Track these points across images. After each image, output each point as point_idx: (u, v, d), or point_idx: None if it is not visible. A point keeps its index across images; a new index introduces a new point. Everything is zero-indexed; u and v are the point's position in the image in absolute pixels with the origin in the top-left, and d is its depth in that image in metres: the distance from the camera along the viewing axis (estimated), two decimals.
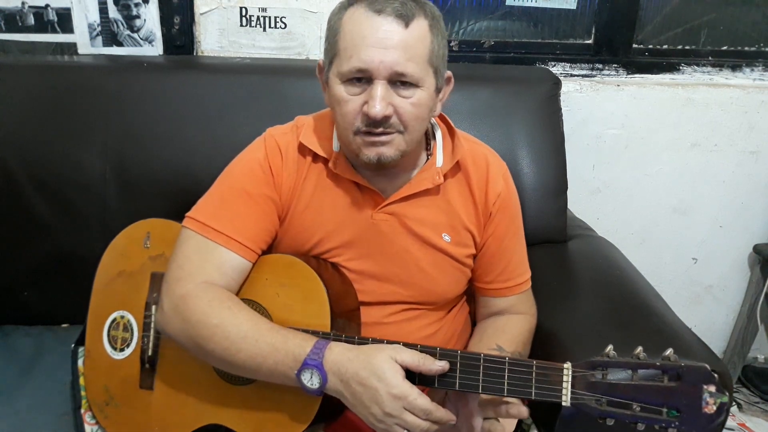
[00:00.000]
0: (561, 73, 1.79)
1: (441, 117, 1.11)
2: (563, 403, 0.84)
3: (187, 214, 1.04)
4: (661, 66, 1.84)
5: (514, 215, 1.13)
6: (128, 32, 1.63)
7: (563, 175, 1.52)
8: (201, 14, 1.65)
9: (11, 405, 1.22)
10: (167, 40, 1.65)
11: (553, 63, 1.81)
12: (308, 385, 0.88)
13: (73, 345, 1.24)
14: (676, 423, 0.79)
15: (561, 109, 1.57)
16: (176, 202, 1.12)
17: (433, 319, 1.12)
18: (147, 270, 1.11)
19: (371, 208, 1.05)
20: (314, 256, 1.07)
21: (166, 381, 1.07)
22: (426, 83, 0.94)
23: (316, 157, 1.06)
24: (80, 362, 1.20)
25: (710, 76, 1.85)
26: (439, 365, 0.87)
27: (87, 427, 1.14)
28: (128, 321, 1.11)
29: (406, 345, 0.90)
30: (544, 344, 1.13)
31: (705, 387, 0.78)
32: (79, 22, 1.61)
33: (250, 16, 1.66)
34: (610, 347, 0.83)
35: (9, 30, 1.61)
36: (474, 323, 1.22)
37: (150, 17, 1.62)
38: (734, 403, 1.98)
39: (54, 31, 1.62)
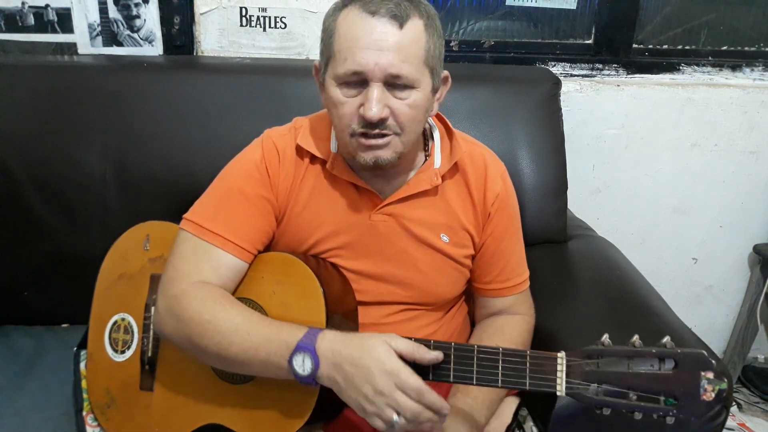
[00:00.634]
0: (561, 73, 1.79)
1: (439, 117, 1.11)
2: (558, 393, 0.83)
3: (184, 216, 1.04)
4: (661, 66, 1.84)
5: (512, 216, 1.13)
6: (128, 32, 1.63)
7: (563, 175, 1.52)
8: (201, 14, 1.65)
9: (11, 405, 1.22)
10: (167, 40, 1.65)
11: (553, 63, 1.81)
12: (300, 370, 0.86)
13: (75, 348, 1.24)
14: (674, 411, 0.77)
15: (561, 109, 1.57)
16: (176, 203, 1.12)
17: (431, 319, 1.12)
18: (147, 272, 1.11)
19: (369, 209, 1.05)
20: (313, 255, 1.07)
21: (166, 382, 1.07)
22: (422, 84, 0.93)
23: (313, 158, 1.06)
24: (82, 365, 1.20)
25: (710, 76, 1.85)
26: (433, 354, 0.86)
27: (89, 429, 1.14)
28: (129, 323, 1.11)
29: None
30: (544, 344, 1.13)
31: (703, 374, 0.77)
32: (79, 22, 1.61)
33: (250, 16, 1.66)
34: (605, 336, 0.82)
35: (9, 30, 1.61)
36: (473, 323, 1.22)
37: (150, 17, 1.62)
38: (734, 403, 1.98)
39: (54, 31, 1.62)
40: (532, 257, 1.20)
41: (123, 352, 1.11)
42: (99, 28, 1.62)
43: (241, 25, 1.66)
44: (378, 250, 1.06)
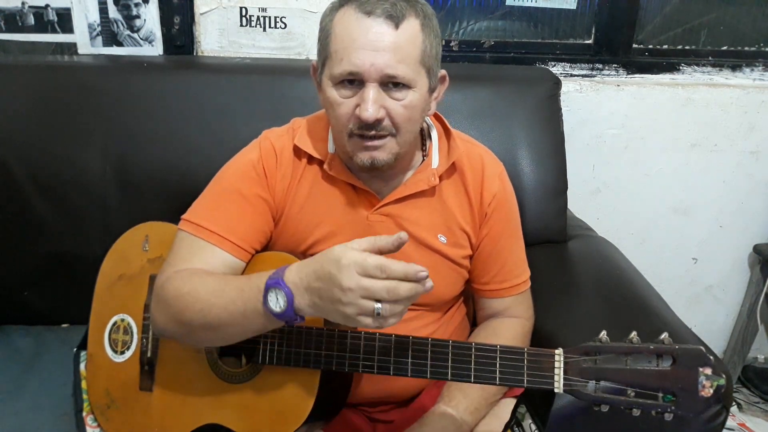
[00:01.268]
0: (561, 73, 1.79)
1: (437, 117, 1.11)
2: (556, 390, 0.83)
3: (183, 216, 1.04)
4: (661, 66, 1.84)
5: (510, 216, 1.13)
6: (128, 32, 1.63)
7: (563, 175, 1.52)
8: (201, 14, 1.65)
9: (11, 405, 1.22)
10: (167, 40, 1.65)
11: (553, 63, 1.80)
12: (276, 308, 0.82)
13: (75, 349, 1.24)
14: (672, 407, 0.77)
15: (561, 109, 1.57)
16: (176, 202, 1.12)
17: (429, 320, 1.12)
18: (146, 273, 1.11)
19: (366, 209, 1.05)
20: (312, 255, 1.07)
21: (165, 382, 1.07)
22: (418, 84, 0.93)
23: (311, 159, 1.06)
24: (82, 366, 1.20)
25: (710, 76, 1.85)
26: (394, 237, 0.80)
27: (89, 430, 1.14)
28: (128, 324, 1.12)
29: (398, 337, 0.90)
30: (544, 344, 1.12)
31: (701, 370, 0.76)
32: (79, 22, 1.61)
33: (250, 16, 1.66)
34: (603, 333, 0.81)
35: (9, 30, 1.61)
36: (473, 324, 1.22)
37: (150, 17, 1.62)
38: (734, 403, 1.98)
39: (54, 31, 1.62)
40: (532, 257, 1.20)
41: (122, 352, 1.11)
42: (99, 28, 1.62)
43: (241, 25, 1.66)
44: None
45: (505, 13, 1.79)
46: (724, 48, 1.86)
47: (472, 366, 0.87)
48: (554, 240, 1.49)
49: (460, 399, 1.03)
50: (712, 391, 0.76)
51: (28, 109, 1.43)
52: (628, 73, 1.83)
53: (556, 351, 0.83)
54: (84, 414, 1.16)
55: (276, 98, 1.45)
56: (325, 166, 1.04)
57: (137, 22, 1.62)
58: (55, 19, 1.61)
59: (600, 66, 1.82)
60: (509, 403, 1.07)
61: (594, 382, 0.80)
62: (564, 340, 1.13)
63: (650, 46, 1.84)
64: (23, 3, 1.59)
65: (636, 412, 0.79)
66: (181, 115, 1.44)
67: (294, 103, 1.39)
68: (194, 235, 1.01)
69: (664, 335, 0.79)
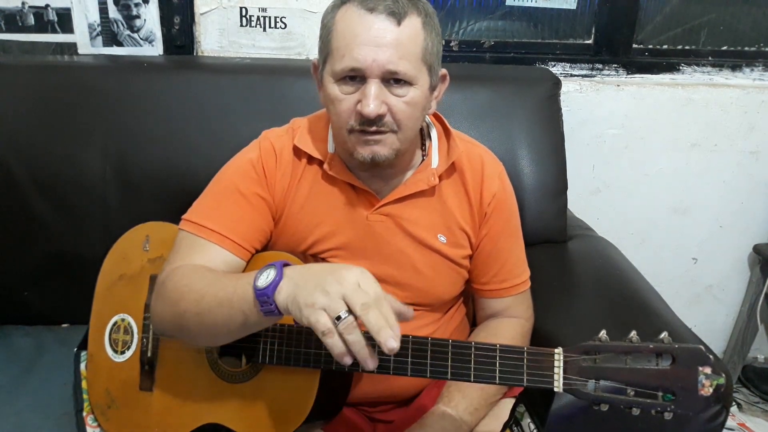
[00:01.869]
0: (561, 73, 1.79)
1: (437, 117, 1.11)
2: (555, 389, 0.82)
3: (183, 216, 1.04)
4: (661, 66, 1.84)
5: (509, 216, 1.13)
6: (128, 32, 1.63)
7: (563, 175, 1.52)
8: (201, 14, 1.65)
9: (11, 405, 1.22)
10: (167, 40, 1.65)
11: (553, 63, 1.80)
12: (259, 283, 0.79)
13: (75, 349, 1.24)
14: (672, 406, 0.77)
15: (561, 109, 1.57)
16: (176, 202, 1.12)
17: (430, 320, 1.12)
18: (146, 272, 1.11)
19: (366, 209, 1.05)
20: (312, 255, 1.07)
21: (165, 382, 1.07)
22: (420, 81, 0.93)
23: (311, 158, 1.06)
24: (82, 366, 1.20)
25: (710, 76, 1.85)
26: (405, 308, 0.78)
27: (89, 430, 1.14)
28: (128, 324, 1.12)
29: None
30: (544, 344, 1.10)
31: (701, 369, 0.76)
32: (79, 22, 1.61)
33: (250, 16, 1.66)
34: (603, 332, 0.81)
35: (9, 30, 1.61)
36: (473, 325, 1.22)
37: (150, 17, 1.62)
38: (734, 403, 1.98)
39: (54, 31, 1.62)
40: (532, 257, 1.20)
41: (123, 352, 1.11)
42: (99, 28, 1.62)
43: (241, 25, 1.66)
44: (375, 250, 1.06)
45: (505, 13, 1.79)
46: (724, 48, 1.86)
47: (472, 365, 0.86)
48: (554, 240, 1.49)
49: (459, 400, 1.03)
50: (711, 390, 0.76)
51: (28, 109, 1.43)
52: (628, 73, 1.83)
53: (556, 350, 0.83)
54: (84, 414, 1.16)
55: (276, 98, 1.45)
56: (325, 166, 1.04)
57: (137, 22, 1.62)
58: (55, 19, 1.61)
59: (600, 66, 1.82)
60: (508, 403, 1.07)
61: (594, 381, 0.80)
62: (564, 340, 1.13)
63: (650, 46, 1.85)
64: (23, 3, 1.59)
65: (636, 411, 0.79)
66: (181, 115, 1.44)
67: (294, 103, 1.39)
68: (195, 234, 1.01)
69: (664, 334, 0.79)
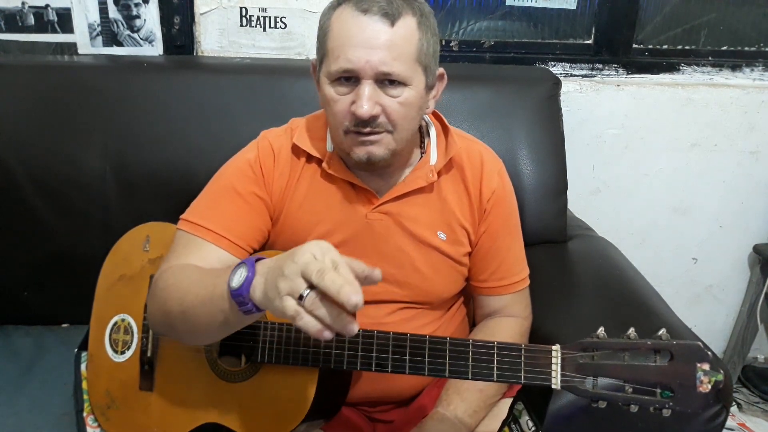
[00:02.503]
0: (561, 73, 1.79)
1: (435, 114, 1.11)
2: (553, 387, 0.82)
3: (181, 216, 1.05)
4: (661, 66, 1.84)
5: (509, 213, 1.13)
6: (128, 32, 1.63)
7: (563, 175, 1.52)
8: (201, 14, 1.65)
9: (11, 405, 1.22)
10: (167, 40, 1.65)
11: (553, 63, 1.80)
12: (232, 283, 0.76)
13: (75, 350, 1.24)
14: (670, 403, 0.77)
15: (561, 109, 1.57)
16: (176, 202, 1.12)
17: (430, 318, 1.12)
18: (146, 273, 1.11)
19: (365, 207, 1.05)
20: None
21: (165, 382, 1.07)
22: (414, 82, 0.93)
23: (309, 157, 1.06)
24: (83, 366, 1.20)
25: (710, 76, 1.85)
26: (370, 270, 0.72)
27: (89, 430, 1.14)
28: (129, 324, 1.12)
29: (396, 334, 0.90)
30: (544, 344, 1.12)
31: (699, 365, 0.76)
32: (79, 22, 1.61)
33: (250, 16, 1.66)
34: (601, 329, 0.81)
35: (9, 30, 1.61)
36: (473, 325, 1.22)
37: (150, 17, 1.62)
38: (734, 403, 1.98)
39: (54, 31, 1.62)
40: (532, 257, 1.20)
41: (123, 352, 1.11)
42: (99, 28, 1.62)
43: (241, 25, 1.66)
44: (374, 248, 1.06)
45: (505, 13, 1.79)
46: (724, 48, 1.86)
47: (470, 363, 0.87)
48: (554, 240, 1.49)
49: (458, 403, 1.03)
50: (710, 386, 0.76)
51: (28, 109, 1.43)
52: (628, 73, 1.83)
53: (553, 347, 0.83)
54: (85, 414, 1.16)
55: (276, 98, 1.45)
56: (324, 165, 1.04)
57: (137, 22, 1.62)
58: (55, 19, 1.61)
59: (600, 66, 1.82)
60: (507, 403, 1.07)
61: (591, 378, 0.80)
62: (564, 340, 1.11)
63: (650, 46, 1.84)
64: (23, 3, 1.59)
65: (634, 408, 0.79)
66: (181, 115, 1.44)
67: (294, 103, 1.39)
68: (191, 233, 1.01)
69: (662, 331, 0.78)
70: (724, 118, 1.81)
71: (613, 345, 0.80)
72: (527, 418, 1.08)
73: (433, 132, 1.09)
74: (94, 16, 1.61)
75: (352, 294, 0.65)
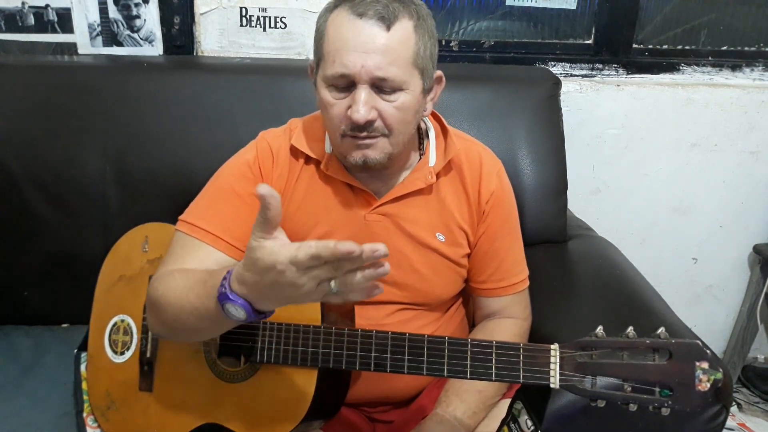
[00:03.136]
0: (561, 73, 1.79)
1: (434, 116, 1.11)
2: (552, 386, 0.82)
3: (180, 217, 1.04)
4: (661, 66, 1.84)
5: (508, 214, 1.13)
6: (128, 32, 1.63)
7: (563, 175, 1.52)
8: (201, 14, 1.65)
9: (11, 405, 1.22)
10: (167, 40, 1.65)
11: (553, 63, 1.80)
12: (241, 317, 0.79)
13: (75, 350, 1.24)
14: (669, 402, 0.77)
15: (561, 109, 1.57)
16: (176, 202, 1.12)
17: (429, 319, 1.12)
18: (145, 273, 1.11)
19: (364, 209, 1.05)
20: None
21: (164, 382, 1.07)
22: (411, 85, 0.93)
23: (308, 159, 1.06)
24: (83, 367, 1.20)
25: (710, 76, 1.85)
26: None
27: (89, 430, 1.14)
28: (128, 325, 1.12)
29: (395, 334, 0.90)
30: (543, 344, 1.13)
31: (698, 364, 0.76)
32: (79, 22, 1.61)
33: (250, 16, 1.66)
34: (599, 328, 0.81)
35: (9, 30, 1.61)
36: (472, 325, 1.22)
37: (150, 17, 1.62)
38: (734, 403, 1.98)
39: (54, 31, 1.62)
40: (532, 257, 1.20)
41: (122, 353, 1.11)
42: (99, 28, 1.62)
43: (241, 25, 1.66)
44: None
45: (505, 13, 1.79)
46: (724, 48, 1.86)
47: (468, 362, 0.87)
48: (554, 240, 1.49)
49: (458, 404, 1.03)
50: (709, 385, 0.76)
51: (28, 109, 1.43)
52: (628, 73, 1.83)
53: (552, 346, 0.83)
54: (84, 415, 1.16)
55: (276, 98, 1.45)
56: (322, 166, 1.04)
57: (137, 22, 1.62)
58: (55, 19, 1.61)
59: (600, 66, 1.82)
60: (507, 403, 1.07)
61: (590, 377, 0.80)
62: (564, 340, 1.11)
63: (650, 46, 1.84)
64: (23, 3, 1.59)
65: (633, 407, 0.79)
66: (181, 115, 1.44)
67: (294, 103, 1.39)
68: (189, 234, 1.01)
69: (661, 330, 0.78)
70: (724, 118, 1.81)
71: (612, 344, 0.79)
72: (526, 417, 1.08)
73: (432, 134, 1.09)
74: (94, 16, 1.61)
75: (339, 245, 0.67)
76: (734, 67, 1.85)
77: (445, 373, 0.88)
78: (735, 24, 1.85)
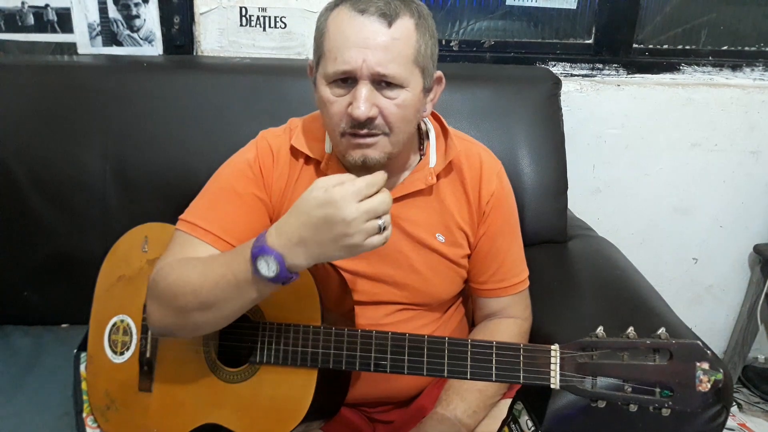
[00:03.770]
0: (561, 73, 1.79)
1: (435, 116, 1.11)
2: (552, 386, 0.82)
3: (180, 216, 1.04)
4: (661, 66, 1.84)
5: (508, 215, 1.13)
6: (128, 32, 1.63)
7: (563, 175, 1.52)
8: (201, 14, 1.65)
9: (11, 405, 1.22)
10: (167, 40, 1.65)
11: (553, 63, 1.80)
12: (269, 274, 0.82)
13: (75, 350, 1.24)
14: (670, 402, 0.77)
15: (561, 109, 1.57)
16: (176, 202, 1.12)
17: (429, 319, 1.12)
18: (145, 274, 1.11)
19: None
20: None
21: (164, 382, 1.07)
22: (411, 84, 0.93)
23: (308, 158, 1.06)
24: (82, 367, 1.20)
25: (710, 76, 1.85)
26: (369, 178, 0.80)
27: (89, 430, 1.14)
28: (128, 325, 1.12)
29: (395, 335, 0.90)
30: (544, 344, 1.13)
31: (698, 364, 0.76)
32: (79, 22, 1.61)
33: (250, 16, 1.66)
34: (600, 328, 0.81)
35: (9, 30, 1.61)
36: (471, 325, 1.22)
37: (150, 17, 1.62)
38: (735, 404, 1.98)
39: (54, 31, 1.62)
40: (532, 257, 1.20)
41: (122, 353, 1.11)
42: (99, 28, 1.62)
43: (241, 25, 1.66)
44: (373, 250, 1.05)
45: (505, 13, 1.79)
46: (724, 48, 1.86)
47: (468, 363, 0.86)
48: (554, 240, 1.49)
49: (458, 403, 1.03)
50: (709, 385, 0.76)
51: (28, 109, 1.43)
52: (628, 73, 1.83)
53: (552, 347, 0.83)
54: (84, 415, 1.16)
55: (276, 98, 1.45)
56: (322, 166, 1.04)
57: (137, 22, 1.62)
58: (55, 19, 1.61)
59: (600, 66, 1.82)
60: (507, 403, 1.07)
61: (591, 377, 0.80)
62: (564, 340, 1.11)
63: (650, 46, 1.84)
64: (23, 3, 1.59)
65: (633, 408, 0.79)
66: (181, 115, 1.44)
67: (294, 103, 1.39)
68: (189, 234, 1.00)
69: (661, 330, 0.78)
70: (725, 118, 1.81)
71: (612, 344, 0.79)
72: (527, 417, 1.08)
73: (432, 134, 1.09)
74: (94, 16, 1.61)
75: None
76: (734, 67, 1.85)
77: (445, 374, 0.88)
78: (735, 24, 1.85)
